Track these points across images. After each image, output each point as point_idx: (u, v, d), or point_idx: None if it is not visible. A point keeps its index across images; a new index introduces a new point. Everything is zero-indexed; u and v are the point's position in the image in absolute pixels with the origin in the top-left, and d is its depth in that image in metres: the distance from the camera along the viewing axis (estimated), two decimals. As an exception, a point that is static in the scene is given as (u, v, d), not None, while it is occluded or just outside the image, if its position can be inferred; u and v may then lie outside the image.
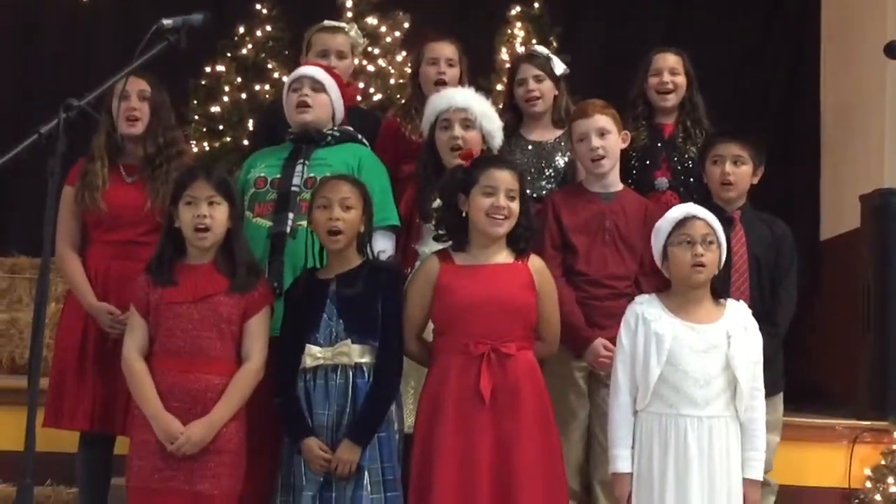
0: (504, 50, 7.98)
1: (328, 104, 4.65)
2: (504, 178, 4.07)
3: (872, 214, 6.14)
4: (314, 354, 4.03)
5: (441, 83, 5.17)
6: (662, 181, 5.07)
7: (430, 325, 4.17)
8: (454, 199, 4.13)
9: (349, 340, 4.03)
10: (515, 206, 4.06)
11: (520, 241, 4.12)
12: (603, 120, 4.61)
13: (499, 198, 4.03)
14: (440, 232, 4.21)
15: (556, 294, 4.20)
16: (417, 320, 4.15)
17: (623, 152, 4.80)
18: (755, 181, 4.73)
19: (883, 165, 6.98)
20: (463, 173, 4.15)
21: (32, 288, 7.16)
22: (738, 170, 4.67)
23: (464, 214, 4.10)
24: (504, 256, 4.11)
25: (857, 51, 7.44)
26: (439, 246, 4.44)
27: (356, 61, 6.06)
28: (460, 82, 5.16)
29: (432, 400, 4.03)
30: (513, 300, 4.03)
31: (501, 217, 4.04)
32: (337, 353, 4.02)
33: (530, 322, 4.08)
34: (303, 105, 4.59)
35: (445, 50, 5.28)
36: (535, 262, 4.14)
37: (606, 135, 4.60)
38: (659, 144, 5.15)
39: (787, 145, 8.37)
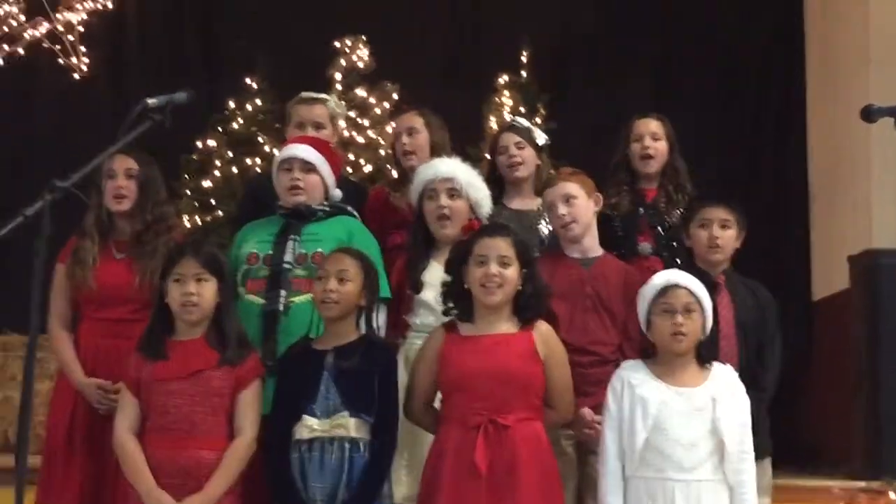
0: (492, 118, 8.05)
1: (319, 183, 4.67)
2: (495, 245, 4.07)
3: (861, 275, 6.19)
4: (311, 426, 4.01)
5: (405, 154, 5.29)
6: (646, 246, 5.08)
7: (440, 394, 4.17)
8: (458, 273, 4.15)
9: (347, 413, 4.02)
10: (510, 272, 4.04)
11: (525, 310, 4.11)
12: (568, 186, 4.61)
13: (489, 266, 4.02)
14: (447, 306, 4.19)
15: (565, 361, 4.15)
16: (426, 390, 4.15)
17: (607, 218, 4.83)
18: (738, 245, 4.75)
19: (871, 226, 7.03)
20: (463, 246, 4.17)
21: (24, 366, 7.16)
22: (725, 233, 4.69)
23: (466, 287, 4.10)
24: (508, 326, 4.09)
25: (841, 113, 7.52)
26: (431, 316, 4.47)
27: (345, 132, 6.12)
28: (434, 149, 5.24)
29: (432, 471, 4.01)
30: (512, 370, 4.00)
31: (493, 285, 4.03)
32: (335, 426, 4.01)
33: (535, 392, 4.05)
34: (295, 188, 4.62)
35: (406, 122, 5.40)
36: (541, 330, 4.10)
37: (572, 200, 4.59)
38: (641, 210, 5.17)
39: (777, 207, 8.44)
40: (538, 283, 4.16)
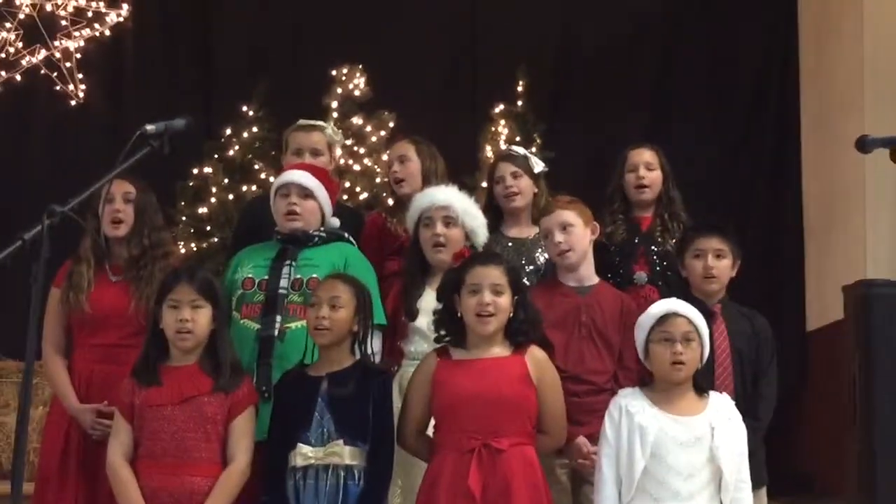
0: (488, 147, 8.04)
1: (317, 210, 4.68)
2: (488, 273, 4.07)
3: (855, 306, 6.16)
4: (305, 454, 4.01)
5: (397, 182, 5.33)
6: (641, 275, 5.08)
7: (433, 420, 4.16)
8: (450, 301, 4.14)
9: (341, 441, 4.01)
10: (503, 300, 4.05)
11: (517, 334, 4.10)
12: (565, 214, 4.63)
13: (483, 294, 4.03)
14: (440, 333, 4.18)
15: (558, 386, 4.15)
16: (418, 417, 4.14)
17: (603, 247, 4.83)
18: (733, 274, 4.76)
19: (865, 256, 7.05)
20: (454, 274, 4.18)
21: (20, 392, 7.14)
22: (720, 263, 4.69)
23: (459, 315, 4.11)
24: (500, 350, 4.09)
25: (837, 144, 7.54)
26: (425, 343, 4.46)
27: (342, 159, 6.13)
28: (427, 176, 5.26)
29: (426, 496, 4.01)
30: (505, 394, 4.00)
31: (487, 314, 4.03)
32: (329, 454, 4.00)
33: (528, 416, 4.04)
34: (292, 213, 4.62)
35: (399, 150, 5.44)
36: (534, 354, 4.10)
37: (569, 228, 4.61)
38: (636, 239, 5.18)
39: (772, 237, 8.45)
40: (530, 309, 4.16)
